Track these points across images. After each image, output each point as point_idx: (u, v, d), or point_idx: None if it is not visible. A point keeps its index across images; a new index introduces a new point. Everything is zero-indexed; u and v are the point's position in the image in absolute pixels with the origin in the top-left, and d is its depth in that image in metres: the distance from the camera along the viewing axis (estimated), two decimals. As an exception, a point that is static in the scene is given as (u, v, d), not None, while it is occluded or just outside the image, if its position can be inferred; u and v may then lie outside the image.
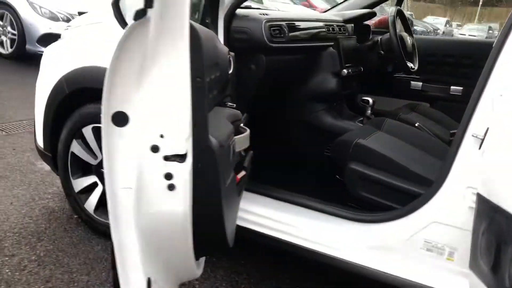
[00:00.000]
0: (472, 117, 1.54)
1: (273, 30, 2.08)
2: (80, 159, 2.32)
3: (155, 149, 1.02)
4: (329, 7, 13.41)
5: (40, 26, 5.96)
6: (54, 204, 2.66)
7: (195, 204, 1.03)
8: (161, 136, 1.01)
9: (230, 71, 1.72)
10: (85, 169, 2.36)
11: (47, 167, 3.10)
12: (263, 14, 2.15)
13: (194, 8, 1.78)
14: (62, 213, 2.56)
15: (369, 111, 2.58)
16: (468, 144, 1.55)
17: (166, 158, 1.03)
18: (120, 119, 0.96)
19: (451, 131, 2.36)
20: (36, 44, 5.99)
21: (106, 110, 0.96)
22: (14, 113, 4.16)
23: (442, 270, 1.61)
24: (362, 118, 2.57)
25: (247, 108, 1.98)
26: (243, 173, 1.53)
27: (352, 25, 2.72)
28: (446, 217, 1.59)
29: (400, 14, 2.75)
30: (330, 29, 2.45)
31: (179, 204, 1.08)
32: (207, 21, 1.87)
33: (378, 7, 3.30)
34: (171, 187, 1.06)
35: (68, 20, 5.76)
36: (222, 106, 1.61)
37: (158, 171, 1.04)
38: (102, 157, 2.03)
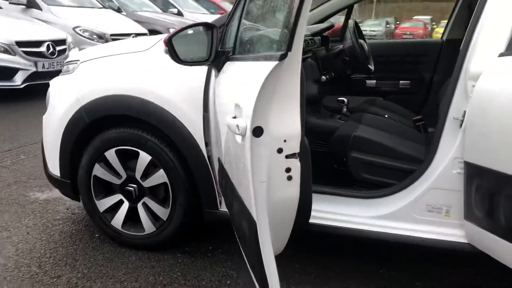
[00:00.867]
0: (451, 104, 2.01)
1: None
2: (102, 181, 2.52)
3: (280, 151, 1.35)
4: None
5: None
6: (70, 228, 2.81)
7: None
8: (284, 141, 1.34)
9: None
10: (107, 189, 2.56)
11: (43, 196, 3.24)
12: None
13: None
14: (82, 234, 2.73)
15: (345, 109, 3.02)
16: (450, 125, 2.02)
17: (287, 156, 1.36)
18: (258, 132, 1.28)
19: (413, 118, 2.88)
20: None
21: (249, 126, 1.26)
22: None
23: (442, 225, 2.07)
24: (339, 116, 3.00)
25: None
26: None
27: (319, 37, 3.15)
28: (440, 183, 2.04)
29: (356, 24, 3.24)
30: (307, 43, 2.86)
31: (294, 190, 1.42)
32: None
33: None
34: (289, 178, 1.39)
35: None
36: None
37: (281, 167, 1.37)
38: (125, 177, 2.29)
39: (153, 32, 9.58)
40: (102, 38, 8.09)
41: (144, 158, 2.37)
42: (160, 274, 2.32)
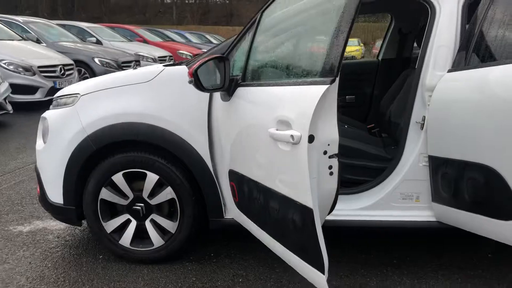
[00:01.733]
0: (412, 111, 2.52)
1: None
2: (109, 204, 2.72)
3: (325, 152, 1.72)
4: (162, 40, 14.21)
5: None
6: (70, 253, 2.92)
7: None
8: (328, 144, 1.72)
9: None
10: (112, 211, 2.75)
11: (25, 229, 3.31)
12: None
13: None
14: (86, 257, 2.86)
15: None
16: (413, 128, 2.53)
17: (330, 156, 1.73)
18: (311, 139, 1.64)
19: (368, 126, 3.42)
20: None
21: (306, 135, 1.62)
22: None
23: (414, 209, 2.56)
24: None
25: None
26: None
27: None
28: (410, 175, 2.53)
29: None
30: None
31: (334, 183, 1.79)
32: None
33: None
34: (331, 174, 1.76)
35: None
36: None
37: (326, 165, 1.74)
38: (132, 197, 2.52)
39: (78, 62, 9.52)
40: (29, 70, 7.94)
41: (152, 178, 2.61)
42: (178, 281, 2.57)
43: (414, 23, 3.78)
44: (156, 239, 2.71)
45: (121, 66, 10.19)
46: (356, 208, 2.60)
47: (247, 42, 2.29)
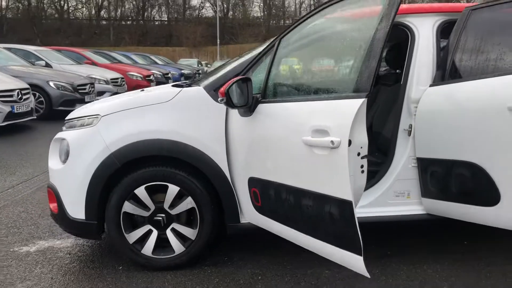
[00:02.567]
0: (400, 120, 2.95)
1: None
2: (131, 216, 2.92)
3: (358, 154, 2.06)
4: (109, 62, 14.37)
5: None
6: (89, 267, 3.06)
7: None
8: (361, 147, 2.06)
9: None
10: (133, 223, 2.95)
11: (32, 249, 3.40)
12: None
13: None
14: (106, 269, 3.01)
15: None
16: (402, 135, 2.95)
17: (362, 157, 2.08)
18: (349, 143, 1.98)
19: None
20: None
21: (346, 140, 1.95)
22: None
23: (406, 204, 2.96)
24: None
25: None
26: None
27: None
28: (401, 175, 2.95)
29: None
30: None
31: (364, 180, 2.13)
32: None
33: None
34: (362, 172, 2.10)
35: None
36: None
37: (358, 164, 2.08)
38: (154, 208, 2.75)
39: (32, 86, 9.38)
40: (-15, 95, 7.79)
41: (173, 189, 2.85)
42: (202, 283, 2.80)
43: (391, 45, 4.21)
44: (177, 246, 2.93)
45: (77, 89, 10.14)
46: (361, 206, 2.96)
47: (266, 65, 2.62)
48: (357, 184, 2.12)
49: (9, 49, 12.03)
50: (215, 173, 2.84)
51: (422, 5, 2.18)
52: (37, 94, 9.65)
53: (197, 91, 2.88)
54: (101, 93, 11.75)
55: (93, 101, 11.52)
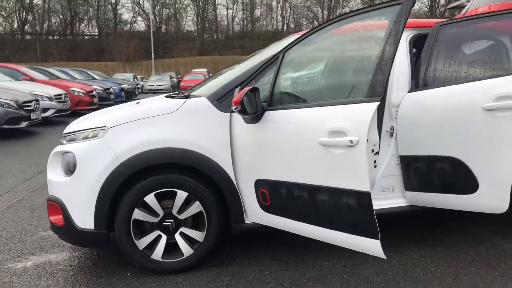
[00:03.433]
0: (382, 123, 3.30)
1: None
2: (140, 223, 3.03)
3: (372, 151, 2.35)
4: (47, 78, 14.14)
5: None
6: (97, 276, 3.13)
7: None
8: (374, 145, 2.35)
9: None
10: (142, 230, 3.07)
11: (28, 264, 3.41)
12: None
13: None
14: (115, 277, 3.10)
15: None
16: (384, 136, 3.31)
17: (375, 154, 2.37)
18: (366, 141, 2.27)
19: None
20: None
21: (365, 139, 2.23)
22: None
23: (391, 198, 3.31)
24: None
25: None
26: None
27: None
28: (386, 172, 3.30)
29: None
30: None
31: (375, 174, 2.43)
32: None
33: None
34: (375, 166, 2.39)
35: None
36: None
37: (372, 160, 2.36)
38: (162, 214, 2.90)
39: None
40: None
41: (181, 195, 3.01)
42: (215, 282, 2.97)
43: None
44: (186, 249, 3.08)
45: (22, 106, 9.81)
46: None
47: (271, 76, 2.87)
48: (371, 177, 2.42)
49: None
50: (222, 178, 3.03)
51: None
52: (-21, 112, 9.23)
53: (202, 101, 3.07)
54: (45, 110, 11.40)
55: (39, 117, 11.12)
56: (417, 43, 3.37)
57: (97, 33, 51.93)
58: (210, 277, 3.04)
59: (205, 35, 50.37)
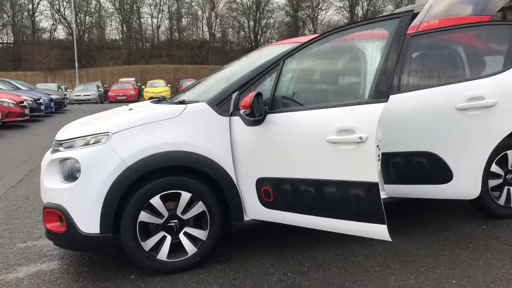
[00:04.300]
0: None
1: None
2: (145, 225, 3.13)
3: (377, 146, 2.64)
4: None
5: None
6: (101, 281, 3.17)
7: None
8: (379, 141, 2.64)
9: None
10: (146, 231, 3.16)
11: (19, 274, 3.38)
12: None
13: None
14: (120, 279, 3.15)
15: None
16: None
17: (379, 148, 2.66)
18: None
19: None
20: None
21: (374, 135, 2.51)
22: None
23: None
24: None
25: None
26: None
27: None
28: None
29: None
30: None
31: (379, 165, 2.72)
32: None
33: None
34: (379, 160, 2.69)
35: None
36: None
37: (377, 153, 2.66)
38: (167, 215, 3.05)
39: None
40: None
41: (185, 196, 3.15)
42: (222, 277, 3.13)
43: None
44: (190, 248, 3.21)
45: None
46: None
47: (272, 81, 3.10)
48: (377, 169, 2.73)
49: None
50: (223, 178, 3.21)
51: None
52: None
53: (202, 106, 3.23)
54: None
55: None
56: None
57: (12, 41, 49.00)
58: (215, 273, 3.19)
59: (132, 44, 49.34)
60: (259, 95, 2.97)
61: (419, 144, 3.37)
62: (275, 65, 3.15)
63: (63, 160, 3.14)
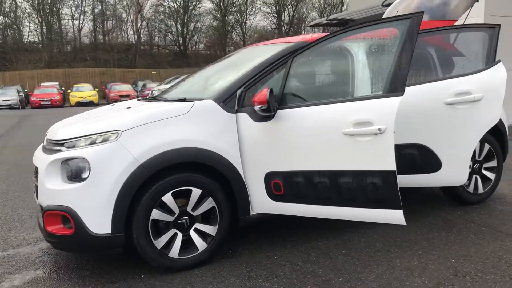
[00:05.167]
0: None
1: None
2: (157, 222, 3.11)
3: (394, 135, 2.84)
4: None
5: None
6: (107, 284, 3.11)
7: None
8: (394, 132, 2.82)
9: None
10: (157, 229, 3.14)
11: (15, 282, 3.22)
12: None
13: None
14: (132, 281, 3.11)
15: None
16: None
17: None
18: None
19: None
20: None
21: (390, 126, 2.67)
22: None
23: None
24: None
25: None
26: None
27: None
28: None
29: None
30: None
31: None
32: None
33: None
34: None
35: None
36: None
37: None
38: (178, 212, 3.09)
39: None
40: None
41: (196, 192, 3.17)
42: (235, 269, 3.17)
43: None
44: (200, 244, 3.23)
45: None
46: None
47: (281, 79, 3.20)
48: (390, 158, 2.93)
49: None
50: (232, 174, 3.26)
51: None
52: None
53: (210, 103, 3.26)
54: None
55: None
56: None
57: None
58: (226, 267, 3.23)
59: (53, 47, 46.91)
60: (271, 91, 3.07)
61: (410, 136, 3.63)
62: (281, 63, 3.27)
63: (67, 160, 3.03)
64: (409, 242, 3.55)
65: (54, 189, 3.02)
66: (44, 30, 46.62)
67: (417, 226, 3.90)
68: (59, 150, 3.11)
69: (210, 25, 50.65)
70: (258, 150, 3.26)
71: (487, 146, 4.25)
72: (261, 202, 3.35)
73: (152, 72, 41.53)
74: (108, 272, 3.26)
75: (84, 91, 31.37)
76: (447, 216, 4.13)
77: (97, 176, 2.94)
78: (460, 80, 3.66)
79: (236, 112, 3.29)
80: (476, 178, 4.29)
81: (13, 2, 45.86)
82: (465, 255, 3.28)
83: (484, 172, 4.33)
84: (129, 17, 50.33)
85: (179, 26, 49.76)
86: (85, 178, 2.95)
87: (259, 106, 3.04)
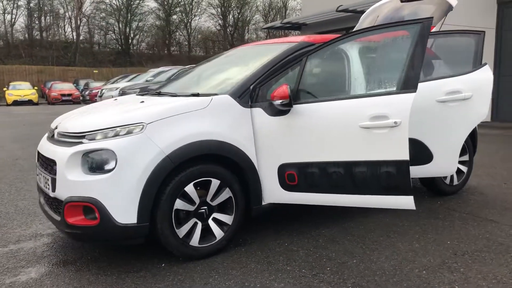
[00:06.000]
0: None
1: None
2: (180, 212, 3.22)
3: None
4: None
5: None
6: (128, 271, 3.17)
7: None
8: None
9: None
10: (178, 219, 3.24)
11: (32, 274, 3.22)
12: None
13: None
14: (150, 271, 3.18)
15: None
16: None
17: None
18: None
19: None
20: None
21: (405, 120, 2.94)
22: None
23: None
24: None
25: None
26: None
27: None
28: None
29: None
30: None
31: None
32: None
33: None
34: None
35: None
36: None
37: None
38: (198, 202, 3.24)
39: None
40: None
41: (215, 183, 3.31)
42: (252, 257, 3.33)
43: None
44: (218, 232, 3.36)
45: None
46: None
47: (296, 75, 3.39)
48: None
49: None
50: (248, 165, 3.43)
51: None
52: None
53: (227, 98, 3.41)
54: None
55: None
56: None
57: None
58: (244, 255, 3.39)
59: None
60: (289, 87, 3.27)
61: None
62: (291, 60, 3.51)
63: (90, 152, 3.07)
64: (405, 228, 3.87)
65: (77, 181, 3.04)
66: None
67: (407, 214, 4.23)
68: (80, 143, 3.13)
69: (153, 24, 49.95)
70: (273, 143, 3.44)
71: (461, 142, 4.70)
72: (273, 193, 3.53)
73: (94, 71, 40.36)
74: (127, 262, 3.31)
75: (22, 89, 29.91)
76: (430, 205, 4.50)
77: (123, 167, 3.00)
78: (451, 80, 4.05)
79: (251, 107, 3.45)
80: (451, 170, 4.71)
81: None
82: (457, 238, 3.63)
83: (458, 165, 4.75)
84: (67, 14, 48.57)
85: (121, 25, 48.65)
86: (110, 170, 3.00)
87: (280, 101, 3.22)
